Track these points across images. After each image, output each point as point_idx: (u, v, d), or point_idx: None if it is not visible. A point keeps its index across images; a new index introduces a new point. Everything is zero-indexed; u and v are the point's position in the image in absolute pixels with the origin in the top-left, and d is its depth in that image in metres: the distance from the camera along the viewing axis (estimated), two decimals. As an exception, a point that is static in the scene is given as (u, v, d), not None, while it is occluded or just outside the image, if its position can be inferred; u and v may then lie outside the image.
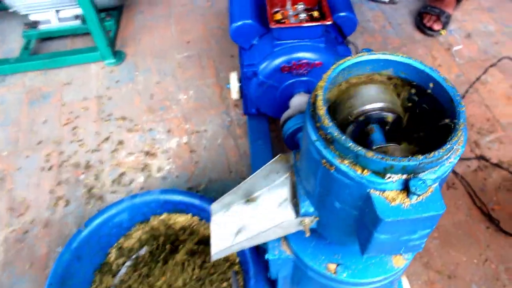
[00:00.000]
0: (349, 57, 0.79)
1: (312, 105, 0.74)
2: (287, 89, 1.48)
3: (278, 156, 0.97)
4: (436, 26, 2.24)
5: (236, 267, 1.37)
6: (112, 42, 2.20)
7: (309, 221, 0.87)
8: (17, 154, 1.91)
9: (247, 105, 1.63)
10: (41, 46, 2.36)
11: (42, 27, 2.25)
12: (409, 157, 0.64)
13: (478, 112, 1.94)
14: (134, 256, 1.45)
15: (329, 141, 0.69)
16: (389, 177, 0.65)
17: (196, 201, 1.44)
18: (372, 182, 0.66)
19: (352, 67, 0.80)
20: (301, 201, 0.86)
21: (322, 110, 0.69)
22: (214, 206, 1.09)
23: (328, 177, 0.71)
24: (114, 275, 1.44)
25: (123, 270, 1.43)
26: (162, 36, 2.36)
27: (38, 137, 1.97)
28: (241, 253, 1.35)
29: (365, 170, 0.66)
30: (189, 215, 1.47)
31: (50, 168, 1.84)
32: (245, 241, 0.96)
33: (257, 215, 1.02)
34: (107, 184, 1.77)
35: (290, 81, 1.46)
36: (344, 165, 0.67)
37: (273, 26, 1.32)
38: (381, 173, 0.66)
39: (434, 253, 1.53)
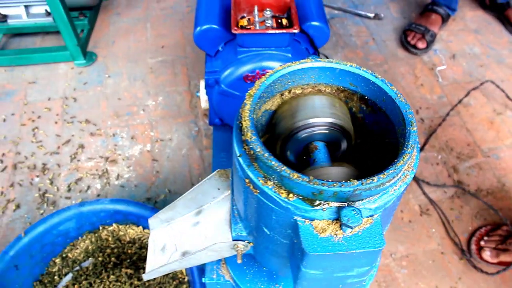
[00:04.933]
0: (289, 64, 0.70)
1: (239, 115, 0.65)
2: (251, 100, 1.39)
3: (216, 171, 0.88)
4: (421, 45, 2.17)
5: (184, 287, 1.27)
6: (83, 43, 2.11)
7: (243, 246, 0.77)
8: (-29, 153, 1.81)
9: (211, 115, 1.54)
10: (10, 42, 2.26)
11: (11, 22, 2.15)
12: (342, 181, 0.55)
13: (459, 135, 1.86)
14: (77, 268, 1.35)
15: (253, 158, 0.60)
16: (319, 204, 0.56)
17: (148, 213, 1.35)
18: (298, 209, 0.57)
19: (294, 75, 0.71)
20: (233, 223, 0.76)
21: (247, 121, 0.61)
22: (151, 221, 1.00)
23: (253, 199, 0.62)
24: (55, 287, 1.33)
25: (64, 282, 1.33)
26: (137, 39, 2.27)
27: (-4, 136, 1.87)
28: (189, 273, 1.25)
29: (291, 195, 0.57)
30: (140, 228, 1.38)
31: (4, 169, 1.74)
32: (178, 262, 0.87)
33: (194, 234, 0.93)
34: (62, 189, 1.67)
35: (255, 91, 1.37)
36: (268, 187, 0.58)
37: (236, 31, 1.23)
38: (310, 199, 0.57)
39: (402, 284, 1.43)
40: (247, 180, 0.61)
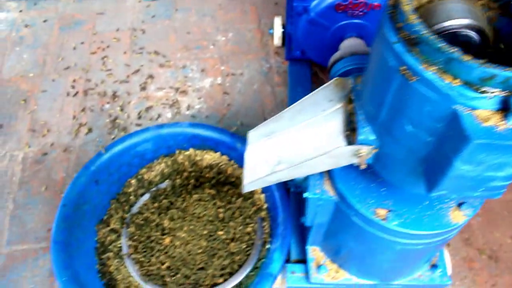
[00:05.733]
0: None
1: (392, 5, 0.62)
2: (338, 31, 1.36)
3: (334, 79, 0.86)
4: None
5: (263, 213, 1.27)
6: (152, -25, 2.09)
7: (367, 152, 0.76)
8: (43, 76, 1.84)
9: (292, 46, 1.51)
10: (79, -28, 2.26)
11: (82, -50, 2.14)
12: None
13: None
14: (154, 189, 1.37)
15: (413, 43, 0.57)
16: (485, 91, 0.54)
17: (227, 139, 1.35)
18: (462, 95, 0.54)
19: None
20: (360, 127, 0.75)
21: (407, 6, 0.58)
22: (251, 134, 0.99)
23: (405, 90, 0.60)
24: (131, 206, 1.36)
25: (142, 201, 1.35)
26: (205, -24, 2.23)
27: (66, 62, 1.89)
28: (270, 199, 1.26)
29: (457, 80, 0.54)
30: (218, 154, 1.38)
31: (75, 94, 1.77)
32: (286, 170, 0.86)
33: (301, 145, 0.92)
34: (132, 116, 1.69)
35: (343, 22, 1.34)
36: (430, 72, 0.55)
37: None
38: (476, 86, 0.54)
39: (476, 231, 1.41)
40: (402, 68, 0.58)
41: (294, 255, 1.21)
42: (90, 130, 1.66)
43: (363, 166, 0.77)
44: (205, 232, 1.19)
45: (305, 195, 0.92)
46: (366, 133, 0.74)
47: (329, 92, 0.88)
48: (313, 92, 0.88)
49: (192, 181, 1.33)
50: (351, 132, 0.84)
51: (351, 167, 0.90)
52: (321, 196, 0.91)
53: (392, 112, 0.66)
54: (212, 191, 1.27)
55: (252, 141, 0.99)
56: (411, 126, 0.63)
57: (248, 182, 0.93)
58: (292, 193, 1.28)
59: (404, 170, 0.73)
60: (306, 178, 0.95)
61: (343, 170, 0.89)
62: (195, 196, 1.24)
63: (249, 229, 1.23)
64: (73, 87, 1.79)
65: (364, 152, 0.76)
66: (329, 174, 0.92)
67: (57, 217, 1.24)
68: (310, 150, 0.90)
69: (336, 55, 1.28)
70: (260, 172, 0.95)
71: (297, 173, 0.87)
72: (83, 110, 1.72)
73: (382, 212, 0.86)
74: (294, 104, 0.91)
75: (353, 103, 0.85)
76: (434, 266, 1.14)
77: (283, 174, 0.87)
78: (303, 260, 1.21)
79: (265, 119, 1.63)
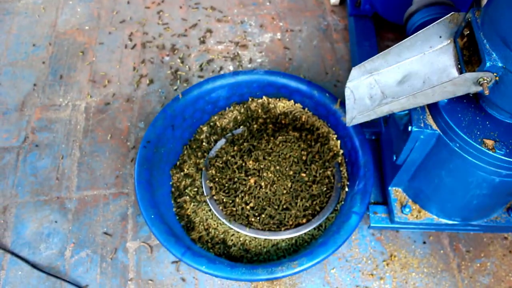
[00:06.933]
0: None
1: None
2: (411, -15, 1.38)
3: (450, 14, 0.89)
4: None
5: (339, 159, 1.31)
6: None
7: (489, 79, 0.79)
8: (99, 29, 1.85)
9: (361, 1, 1.53)
10: None
11: None
12: None
13: None
14: (229, 134, 1.39)
15: None
16: None
17: (303, 86, 1.37)
18: None
19: None
20: (487, 54, 0.78)
21: None
22: (354, 71, 1.02)
23: None
24: (204, 152, 1.39)
25: (218, 146, 1.37)
26: None
27: (121, 16, 1.89)
28: (348, 144, 1.29)
29: None
30: (291, 102, 1.40)
31: (133, 47, 1.78)
32: (400, 101, 0.90)
33: (409, 79, 0.95)
34: (193, 68, 1.70)
35: (417, -25, 1.36)
36: None
37: None
38: None
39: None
40: None
41: (372, 198, 1.26)
42: (151, 81, 1.68)
43: (486, 92, 0.80)
44: (291, 172, 1.22)
45: (410, 128, 0.95)
46: (493, 60, 0.77)
47: (440, 28, 0.90)
48: (425, 28, 0.91)
49: (270, 125, 1.36)
50: (464, 64, 0.87)
51: (456, 103, 0.94)
52: (425, 129, 0.95)
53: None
54: (296, 134, 1.29)
55: (354, 77, 1.02)
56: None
57: (356, 114, 0.97)
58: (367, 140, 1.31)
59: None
60: (407, 114, 0.99)
61: (448, 105, 0.93)
62: (280, 138, 1.26)
63: (328, 172, 1.26)
64: (130, 39, 1.81)
65: (486, 79, 0.79)
66: (432, 109, 0.95)
67: (138, 158, 1.26)
68: (419, 84, 0.93)
69: (412, 8, 1.31)
70: (366, 105, 0.98)
71: (411, 103, 0.90)
72: (142, 62, 1.73)
73: (489, 142, 0.89)
74: (403, 41, 0.93)
75: (466, 37, 0.88)
76: (510, 209, 1.18)
77: (396, 104, 0.91)
78: (381, 203, 1.26)
79: (326, 74, 1.67)
